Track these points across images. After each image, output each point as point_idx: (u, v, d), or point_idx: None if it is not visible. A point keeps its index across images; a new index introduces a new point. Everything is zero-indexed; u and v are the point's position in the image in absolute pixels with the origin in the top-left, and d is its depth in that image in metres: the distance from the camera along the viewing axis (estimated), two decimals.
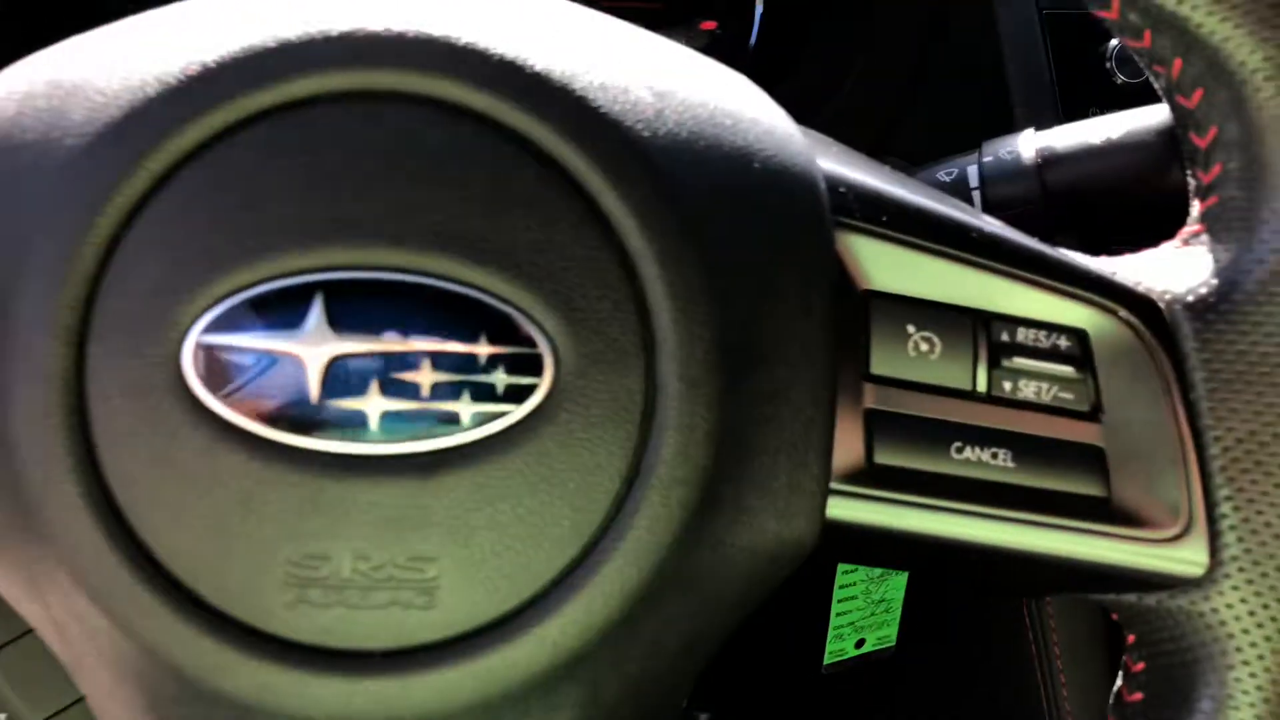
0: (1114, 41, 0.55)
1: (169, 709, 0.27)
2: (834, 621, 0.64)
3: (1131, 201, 0.42)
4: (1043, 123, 0.56)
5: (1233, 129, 0.29)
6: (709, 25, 0.72)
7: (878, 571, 0.65)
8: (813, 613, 0.65)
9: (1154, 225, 0.34)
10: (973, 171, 0.44)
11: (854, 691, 0.70)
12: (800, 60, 0.69)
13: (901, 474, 0.30)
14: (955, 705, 0.69)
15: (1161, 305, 0.30)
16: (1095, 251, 0.54)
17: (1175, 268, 0.31)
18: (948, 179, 0.45)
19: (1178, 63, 0.29)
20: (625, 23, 0.32)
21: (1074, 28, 0.56)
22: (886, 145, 0.66)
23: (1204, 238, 0.30)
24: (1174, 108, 0.31)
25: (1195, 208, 0.31)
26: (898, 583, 0.65)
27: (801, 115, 0.70)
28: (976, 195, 0.44)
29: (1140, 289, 0.30)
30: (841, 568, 0.63)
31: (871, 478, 0.30)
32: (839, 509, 0.29)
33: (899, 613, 0.66)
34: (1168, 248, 0.31)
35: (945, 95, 0.64)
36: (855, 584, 0.63)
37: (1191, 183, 0.31)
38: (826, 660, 0.67)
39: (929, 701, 0.71)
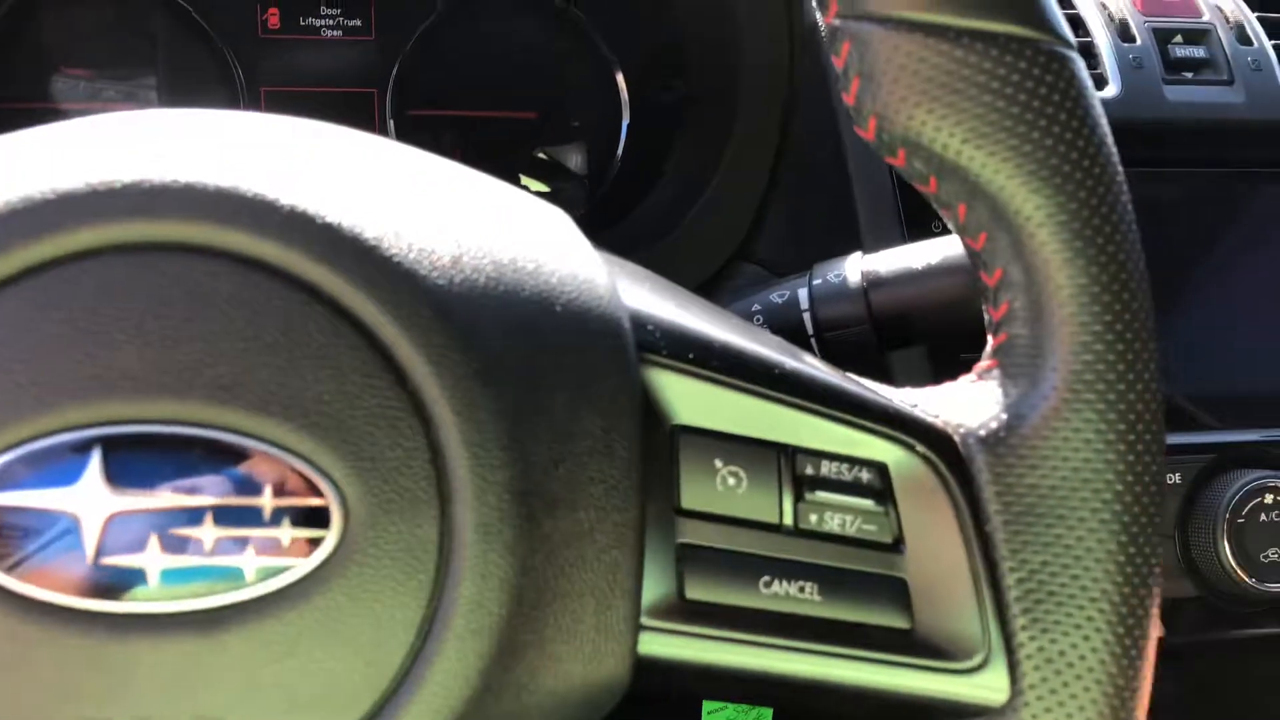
0: None
1: None
2: None
3: (951, 323, 0.43)
4: (887, 239, 0.58)
5: (1015, 271, 0.30)
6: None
7: None
8: None
9: (979, 343, 0.35)
10: (803, 294, 0.45)
11: None
12: (664, 171, 0.71)
13: (713, 609, 0.30)
14: None
15: (956, 439, 0.31)
16: (944, 363, 0.56)
17: (970, 401, 0.31)
18: (780, 300, 0.46)
19: (962, 208, 0.31)
20: (440, 160, 0.32)
21: None
22: (746, 251, 0.68)
23: (995, 372, 0.31)
24: (965, 247, 0.32)
25: (989, 342, 0.32)
26: None
27: (666, 222, 0.71)
28: (808, 316, 0.45)
29: (938, 422, 0.31)
30: None
31: (683, 614, 0.30)
32: (652, 645, 0.29)
33: None
34: (964, 381, 0.32)
35: (803, 203, 0.66)
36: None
37: (986, 317, 0.32)
38: None
39: None
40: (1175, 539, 0.58)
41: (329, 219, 0.27)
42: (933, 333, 0.46)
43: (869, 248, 0.53)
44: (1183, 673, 0.65)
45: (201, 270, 0.26)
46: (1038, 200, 0.29)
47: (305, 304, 0.26)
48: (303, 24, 0.71)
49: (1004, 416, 0.31)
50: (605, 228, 0.71)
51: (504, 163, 0.73)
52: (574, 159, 0.74)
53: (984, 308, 0.32)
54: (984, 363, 0.32)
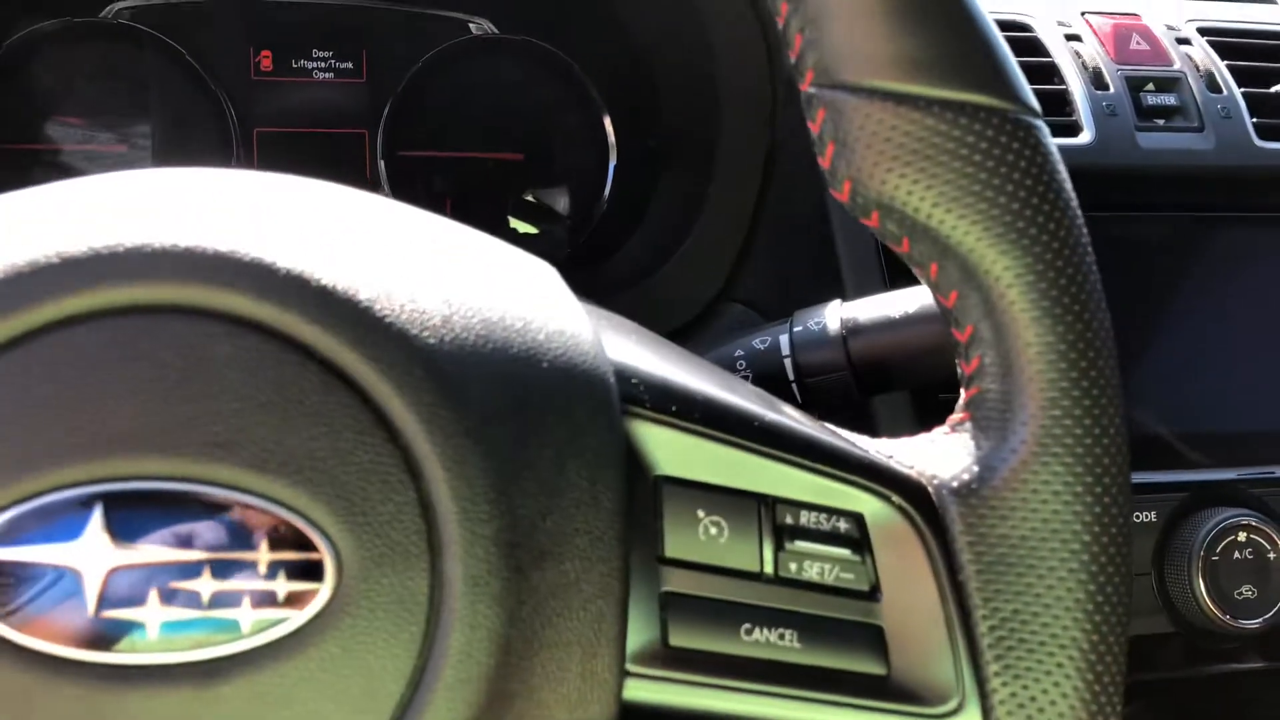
0: None
1: None
2: None
3: (927, 369, 0.44)
4: (869, 284, 0.59)
5: (985, 328, 0.32)
6: None
7: None
8: None
9: (956, 385, 0.36)
10: (784, 340, 0.46)
11: None
12: (649, 212, 0.72)
13: (695, 656, 0.31)
14: None
15: (930, 490, 0.32)
16: (926, 406, 0.57)
17: (944, 453, 0.33)
18: (762, 346, 0.47)
19: (934, 267, 0.32)
20: (432, 217, 0.33)
21: None
22: (732, 292, 0.69)
23: (968, 425, 0.33)
24: (938, 304, 0.33)
25: (962, 395, 0.33)
26: None
27: (652, 263, 0.72)
28: (789, 362, 0.46)
29: (913, 473, 0.32)
30: None
31: (667, 660, 0.30)
32: (636, 691, 0.30)
33: None
34: (938, 432, 0.33)
35: (787, 245, 0.68)
36: None
37: (958, 371, 0.33)
38: None
39: None
40: (1151, 576, 0.59)
41: (324, 281, 0.28)
42: (910, 379, 0.47)
43: (851, 293, 0.55)
44: (1162, 708, 0.66)
45: (200, 332, 0.27)
46: (1006, 261, 0.31)
47: (300, 363, 0.27)
48: (295, 66, 0.73)
49: (975, 468, 0.32)
50: (591, 268, 0.73)
51: (492, 203, 0.74)
52: (561, 201, 0.75)
53: (956, 362, 0.33)
54: (957, 415, 0.33)
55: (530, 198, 0.75)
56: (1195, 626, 0.59)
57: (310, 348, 0.27)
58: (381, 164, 0.72)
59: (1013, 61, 0.32)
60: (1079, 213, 0.32)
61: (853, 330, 0.46)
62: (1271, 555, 0.57)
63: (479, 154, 0.74)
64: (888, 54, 0.31)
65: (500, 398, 0.29)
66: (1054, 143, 0.32)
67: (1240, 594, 0.57)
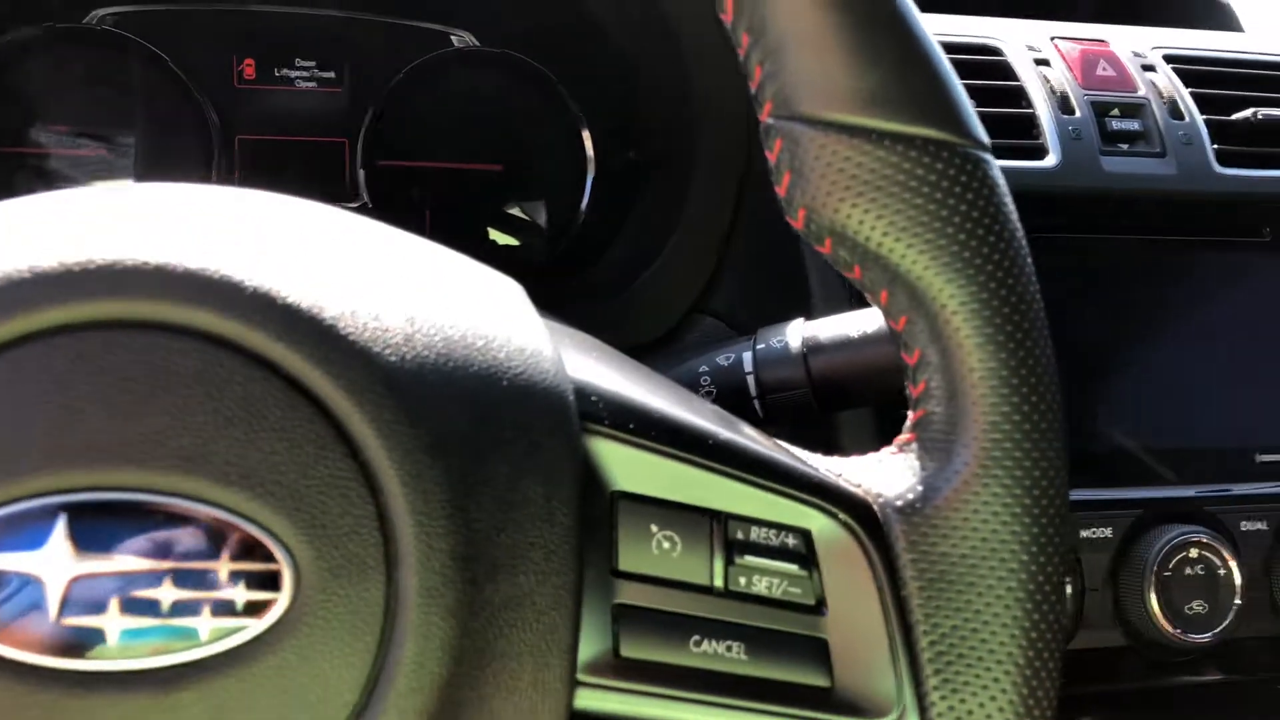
0: None
1: None
2: None
3: (884, 388, 0.45)
4: (835, 303, 0.60)
5: (932, 353, 0.33)
6: None
7: None
8: None
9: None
10: (747, 357, 0.48)
11: None
12: (626, 225, 0.73)
13: (646, 666, 0.32)
14: None
15: (876, 508, 0.33)
16: (889, 420, 0.58)
17: (890, 473, 0.34)
18: (726, 363, 0.48)
19: (884, 293, 0.33)
20: (400, 234, 0.34)
21: None
22: (704, 305, 0.70)
23: (914, 446, 0.34)
24: (889, 328, 0.34)
25: (909, 417, 0.34)
26: None
27: (627, 276, 0.73)
28: (751, 379, 0.47)
29: (859, 491, 0.33)
30: None
31: (618, 670, 0.31)
32: (587, 700, 0.31)
33: None
34: (885, 452, 0.35)
35: (759, 262, 0.69)
36: None
37: (906, 393, 0.34)
38: None
39: None
40: (1107, 591, 0.60)
41: (290, 300, 0.29)
42: (868, 396, 0.48)
43: (818, 311, 0.56)
44: None
45: (168, 347, 0.28)
46: (952, 289, 0.32)
47: (264, 379, 0.28)
48: (278, 75, 0.74)
49: (920, 488, 0.33)
50: (568, 278, 0.73)
51: (471, 214, 0.75)
52: (539, 212, 0.76)
53: (905, 384, 0.34)
54: (904, 436, 0.34)
55: (508, 209, 0.75)
56: (1149, 640, 0.60)
57: (275, 364, 0.28)
58: (361, 173, 0.73)
59: (964, 96, 0.33)
60: (1024, 243, 0.33)
61: (813, 348, 0.47)
62: (1221, 572, 0.59)
63: (458, 165, 0.75)
64: (844, 88, 0.32)
65: (459, 415, 0.30)
66: (1001, 175, 0.33)
67: (1191, 609, 0.58)
